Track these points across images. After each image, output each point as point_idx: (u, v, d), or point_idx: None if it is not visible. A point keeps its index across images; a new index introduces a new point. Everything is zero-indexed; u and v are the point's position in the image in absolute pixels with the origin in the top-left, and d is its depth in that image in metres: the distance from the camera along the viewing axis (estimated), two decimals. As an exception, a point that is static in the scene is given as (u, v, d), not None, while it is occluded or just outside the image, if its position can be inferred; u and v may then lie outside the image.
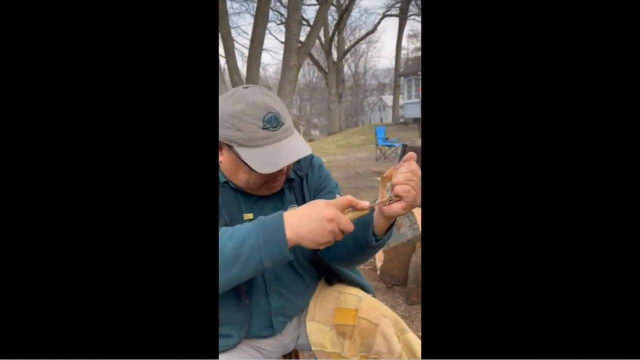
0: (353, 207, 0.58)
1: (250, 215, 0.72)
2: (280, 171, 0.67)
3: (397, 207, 0.57)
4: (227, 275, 0.55)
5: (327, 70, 17.34)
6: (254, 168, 0.62)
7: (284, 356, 0.86)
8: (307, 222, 0.56)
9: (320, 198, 0.79)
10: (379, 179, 0.64)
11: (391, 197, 0.57)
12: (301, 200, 0.78)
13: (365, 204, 0.58)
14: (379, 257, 2.01)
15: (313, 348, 0.77)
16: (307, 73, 32.30)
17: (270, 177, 0.68)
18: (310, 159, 0.80)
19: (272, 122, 0.64)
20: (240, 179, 0.68)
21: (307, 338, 0.79)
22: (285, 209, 0.75)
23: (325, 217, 0.55)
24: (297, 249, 0.75)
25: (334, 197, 0.80)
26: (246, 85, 0.68)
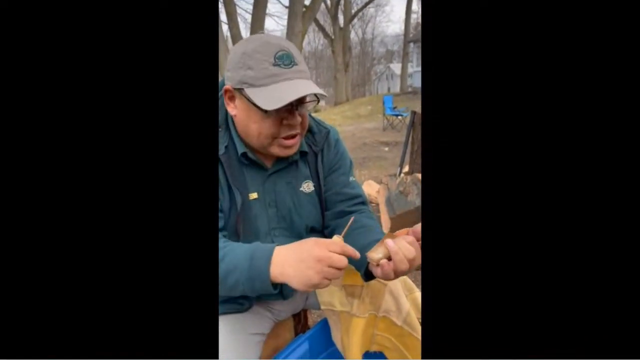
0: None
1: (255, 195, 0.69)
2: (294, 123, 0.64)
3: (377, 271, 0.57)
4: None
5: (333, 37, 16.74)
6: (260, 105, 0.59)
7: (293, 315, 0.88)
8: (293, 261, 0.54)
9: (333, 178, 0.77)
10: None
11: (379, 259, 0.56)
12: (315, 177, 0.75)
13: (356, 254, 0.56)
14: (386, 224, 2.02)
15: (322, 307, 0.78)
16: (313, 40, 31.34)
17: (282, 130, 0.64)
18: (326, 133, 0.76)
19: (284, 60, 0.61)
20: (252, 132, 0.64)
21: (316, 297, 0.80)
22: (300, 186, 0.74)
23: (314, 256, 0.53)
24: (306, 219, 0.74)
25: (347, 180, 0.79)
26: (263, 32, 0.66)
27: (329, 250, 0.54)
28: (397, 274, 0.56)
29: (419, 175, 2.00)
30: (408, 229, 0.60)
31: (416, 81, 14.91)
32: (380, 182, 2.51)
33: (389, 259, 0.56)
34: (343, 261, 0.54)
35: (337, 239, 0.56)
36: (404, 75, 18.75)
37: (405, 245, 0.56)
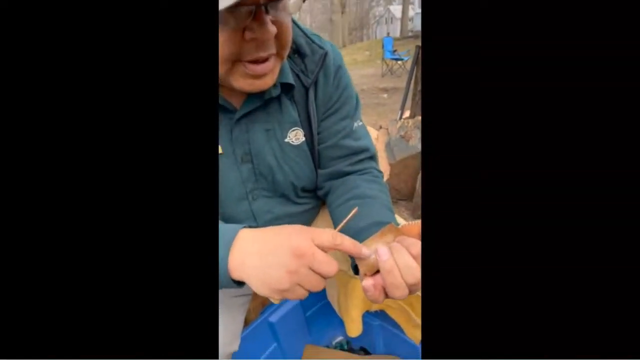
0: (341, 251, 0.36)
1: (219, 150, 0.49)
2: (264, 37, 0.39)
3: (365, 283, 0.37)
4: None
5: (329, -26, 15.39)
6: None
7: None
8: (259, 249, 0.35)
9: (331, 124, 0.53)
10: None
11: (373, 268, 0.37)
12: (306, 122, 0.51)
13: (360, 250, 0.36)
14: (385, 171, 1.91)
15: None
16: (307, -21, 28.93)
17: (246, 48, 0.39)
18: (322, 55, 0.51)
19: None
20: None
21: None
22: (285, 135, 0.50)
23: (291, 247, 0.34)
24: (293, 177, 0.54)
25: (351, 128, 0.54)
26: None
27: (315, 242, 0.34)
28: (390, 297, 0.37)
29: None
30: (420, 223, 0.40)
31: (418, 25, 14.04)
32: (379, 128, 2.37)
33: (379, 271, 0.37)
34: (331, 266, 0.34)
35: (337, 236, 0.36)
36: (404, 18, 17.59)
37: (406, 261, 0.35)
